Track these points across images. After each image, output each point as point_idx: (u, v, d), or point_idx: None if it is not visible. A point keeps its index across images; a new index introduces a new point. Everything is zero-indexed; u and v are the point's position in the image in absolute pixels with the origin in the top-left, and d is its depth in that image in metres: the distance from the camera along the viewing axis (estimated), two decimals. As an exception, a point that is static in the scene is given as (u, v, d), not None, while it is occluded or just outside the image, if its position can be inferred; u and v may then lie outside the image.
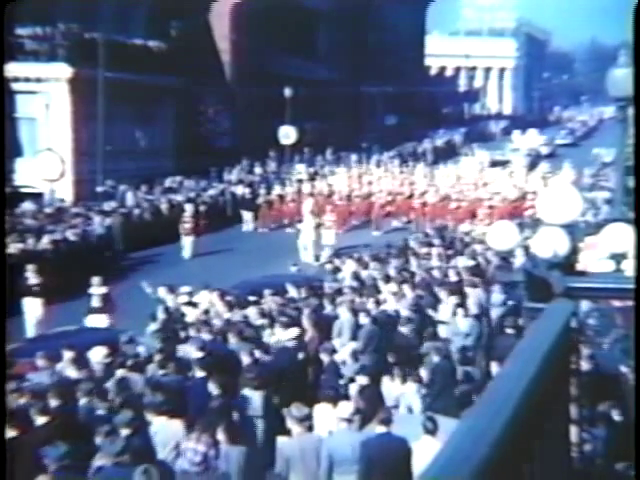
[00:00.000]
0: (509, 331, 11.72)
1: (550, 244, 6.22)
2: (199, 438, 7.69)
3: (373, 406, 9.59)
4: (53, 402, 9.03)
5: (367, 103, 57.96)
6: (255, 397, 9.85)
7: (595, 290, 4.62)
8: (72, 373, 10.63)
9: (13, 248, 19.81)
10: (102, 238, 24.47)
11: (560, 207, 6.95)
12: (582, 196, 8.48)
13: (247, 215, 31.23)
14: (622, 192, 12.23)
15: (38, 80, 31.00)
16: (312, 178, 35.78)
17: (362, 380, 10.41)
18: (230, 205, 32.18)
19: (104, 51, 30.93)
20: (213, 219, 29.14)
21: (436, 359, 11.15)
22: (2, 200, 19.55)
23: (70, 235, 22.94)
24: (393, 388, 10.68)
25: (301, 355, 11.69)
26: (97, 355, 11.07)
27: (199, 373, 10.31)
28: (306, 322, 12.88)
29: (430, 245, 22.06)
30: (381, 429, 8.13)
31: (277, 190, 32.90)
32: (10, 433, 8.07)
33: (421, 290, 15.46)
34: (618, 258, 7.48)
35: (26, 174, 29.33)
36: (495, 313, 14.54)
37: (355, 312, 13.54)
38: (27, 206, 25.97)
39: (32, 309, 17.08)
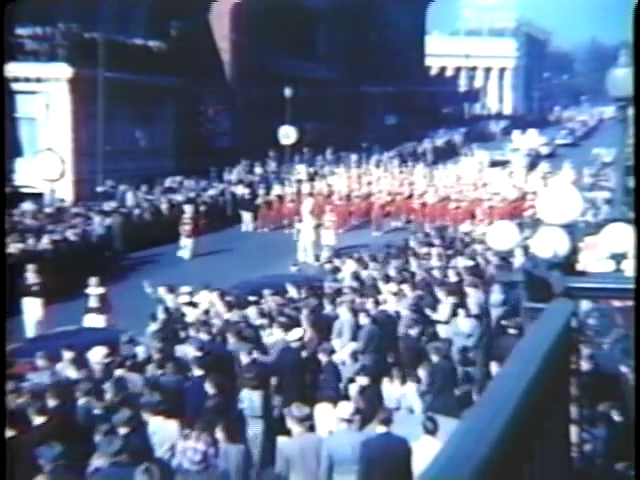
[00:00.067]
0: (511, 331, 11.71)
1: (550, 244, 6.22)
2: (199, 437, 7.71)
3: (373, 406, 9.60)
4: (51, 402, 9.03)
5: (367, 103, 57.96)
6: (254, 397, 9.85)
7: (595, 290, 4.62)
8: (71, 373, 10.64)
9: (13, 248, 19.81)
10: (102, 238, 24.46)
11: (560, 207, 6.94)
12: (582, 196, 8.47)
13: (246, 215, 31.23)
14: (622, 192, 12.23)
15: (38, 80, 30.99)
16: (312, 178, 35.77)
17: (362, 380, 10.41)
18: (230, 205, 32.18)
19: (104, 51, 30.93)
20: (213, 219, 29.14)
21: (436, 359, 11.15)
22: (2, 200, 19.56)
23: (70, 235, 22.94)
24: (394, 390, 10.68)
25: (300, 355, 11.69)
26: (97, 355, 11.08)
27: (197, 372, 10.33)
28: (305, 322, 12.89)
29: (430, 245, 22.06)
30: (381, 429, 8.13)
31: (277, 190, 32.89)
32: (9, 433, 8.08)
33: (421, 290, 15.47)
34: (618, 258, 7.48)
35: (26, 174, 29.32)
36: (495, 313, 14.55)
37: (355, 312, 13.55)
38: (27, 206, 25.97)
39: (32, 309, 17.08)
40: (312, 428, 8.78)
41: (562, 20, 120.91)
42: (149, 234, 26.31)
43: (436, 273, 17.87)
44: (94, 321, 16.02)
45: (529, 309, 4.68)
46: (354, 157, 41.22)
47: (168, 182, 32.67)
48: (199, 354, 10.90)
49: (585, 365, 6.19)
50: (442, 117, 71.27)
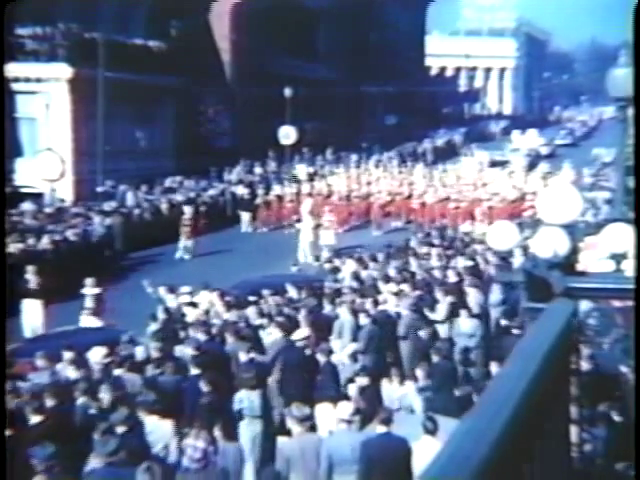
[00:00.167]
0: (515, 332, 11.71)
1: (550, 244, 6.21)
2: (198, 434, 7.71)
3: (373, 406, 9.60)
4: (49, 402, 9.04)
5: (367, 103, 57.95)
6: (253, 397, 9.86)
7: (595, 290, 4.62)
8: (71, 373, 10.64)
9: (13, 248, 19.81)
10: (102, 238, 24.46)
11: (560, 207, 6.95)
12: (582, 196, 8.47)
13: (245, 215, 31.22)
14: (622, 192, 12.22)
15: (38, 80, 30.99)
16: (311, 178, 35.75)
17: (362, 381, 10.41)
18: (230, 205, 32.18)
19: (104, 51, 30.92)
20: (213, 219, 29.13)
21: (436, 359, 11.16)
22: (2, 200, 19.56)
23: (70, 235, 22.94)
24: (394, 390, 10.67)
25: (298, 355, 11.69)
26: (96, 355, 11.08)
27: (194, 371, 10.35)
28: (303, 322, 12.90)
29: (430, 245, 22.07)
30: (381, 429, 8.13)
31: (276, 190, 32.89)
32: (8, 433, 8.08)
33: (420, 290, 15.47)
34: (618, 258, 7.48)
35: (26, 174, 29.32)
36: (494, 313, 14.57)
37: (355, 313, 13.55)
38: (27, 206, 25.96)
39: (31, 310, 17.06)
40: (312, 428, 8.78)
41: (562, 20, 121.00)
42: (149, 234, 26.31)
43: (436, 273, 17.88)
44: (90, 321, 16.02)
45: (529, 309, 4.68)
46: (354, 157, 41.21)
47: (168, 182, 32.66)
48: (195, 353, 10.94)
49: (585, 365, 6.18)
50: (442, 117, 71.25)
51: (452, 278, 16.69)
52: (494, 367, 10.34)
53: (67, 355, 11.10)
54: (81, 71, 31.21)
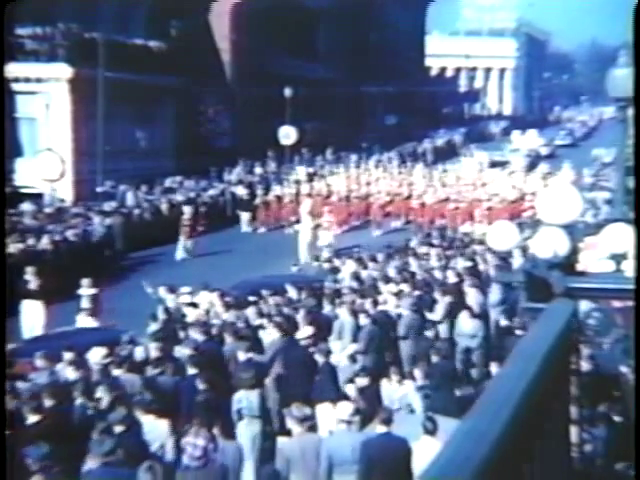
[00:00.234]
0: (518, 332, 11.71)
1: (550, 244, 6.21)
2: (198, 432, 7.71)
3: (373, 406, 9.60)
4: (47, 402, 9.05)
5: (367, 103, 57.94)
6: (252, 397, 9.86)
7: (595, 290, 4.62)
8: (70, 374, 10.63)
9: (13, 248, 19.80)
10: (102, 238, 24.46)
11: (560, 207, 6.94)
12: (582, 196, 8.47)
13: (245, 216, 31.22)
14: (622, 192, 12.22)
15: (38, 80, 30.98)
16: (310, 179, 35.73)
17: (362, 381, 10.41)
18: (230, 205, 32.18)
19: (104, 51, 30.92)
20: (213, 219, 29.12)
21: (435, 359, 11.16)
22: (2, 200, 19.56)
23: (70, 235, 22.93)
24: (394, 391, 10.67)
25: (295, 355, 11.70)
26: (96, 355, 11.08)
27: (191, 371, 10.36)
28: (302, 322, 12.91)
29: (430, 245, 22.07)
30: (382, 429, 8.13)
31: (276, 191, 32.88)
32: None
33: (420, 290, 15.48)
34: (618, 258, 7.47)
35: (26, 174, 29.31)
36: (494, 314, 14.58)
37: (355, 313, 13.55)
38: (27, 206, 25.96)
39: (30, 311, 17.05)
40: (312, 428, 8.78)
41: (562, 21, 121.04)
42: (149, 234, 26.31)
43: (437, 274, 17.88)
44: (86, 322, 16.01)
45: (529, 309, 4.68)
46: (354, 157, 41.20)
47: (168, 182, 32.65)
48: (192, 353, 10.95)
49: (585, 365, 6.18)
50: (442, 117, 71.23)
51: (452, 278, 16.69)
52: (495, 368, 10.34)
53: (67, 355, 11.10)
54: (81, 71, 31.20)
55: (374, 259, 19.87)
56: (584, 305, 6.26)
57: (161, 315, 14.06)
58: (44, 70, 30.98)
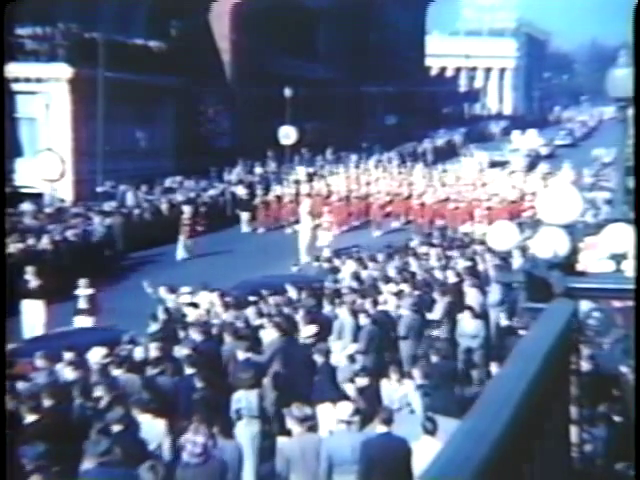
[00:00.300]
0: (521, 332, 11.70)
1: (550, 244, 6.21)
2: (197, 429, 7.71)
3: (373, 406, 9.60)
4: (46, 402, 9.05)
5: (367, 103, 57.94)
6: (251, 397, 9.86)
7: (595, 290, 4.63)
8: (68, 374, 10.64)
9: (13, 248, 19.80)
10: (102, 238, 24.46)
11: (560, 207, 6.94)
12: (582, 196, 8.47)
13: (244, 216, 31.21)
14: (622, 192, 12.21)
15: (38, 80, 30.98)
16: (310, 179, 35.72)
17: (362, 381, 10.41)
18: (230, 205, 32.18)
19: (104, 51, 30.93)
20: (213, 219, 29.12)
21: (435, 359, 11.16)
22: (2, 200, 19.54)
23: (70, 235, 22.94)
24: (394, 390, 10.67)
25: (294, 355, 11.70)
26: (96, 355, 11.08)
27: (188, 370, 10.37)
28: (301, 322, 12.91)
29: (431, 245, 22.07)
30: (382, 429, 8.13)
31: (276, 191, 32.86)
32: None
33: (420, 290, 15.48)
34: (618, 258, 7.47)
35: (26, 174, 29.31)
36: (493, 314, 14.59)
37: (355, 313, 13.55)
38: (27, 206, 25.96)
39: (31, 311, 17.06)
40: (312, 428, 8.78)
41: (562, 20, 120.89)
42: (149, 234, 26.31)
43: (437, 274, 17.88)
44: (83, 322, 16.01)
45: (529, 309, 4.68)
46: (354, 157, 41.19)
47: (168, 182, 32.66)
48: (190, 353, 10.96)
49: (585, 365, 6.18)
50: (442, 117, 71.21)
51: (452, 278, 16.70)
52: (495, 368, 10.34)
53: (67, 355, 11.10)
54: (81, 71, 31.20)
55: (374, 259, 19.87)
56: (584, 305, 6.26)
57: (161, 315, 14.07)
58: (44, 70, 30.98)
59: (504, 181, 35.01)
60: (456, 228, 28.70)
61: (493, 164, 42.16)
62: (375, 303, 14.42)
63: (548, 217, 7.00)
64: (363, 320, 13.25)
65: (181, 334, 12.89)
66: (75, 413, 9.18)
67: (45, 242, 21.56)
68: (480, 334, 13.32)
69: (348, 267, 19.00)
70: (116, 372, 10.59)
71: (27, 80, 30.60)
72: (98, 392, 9.46)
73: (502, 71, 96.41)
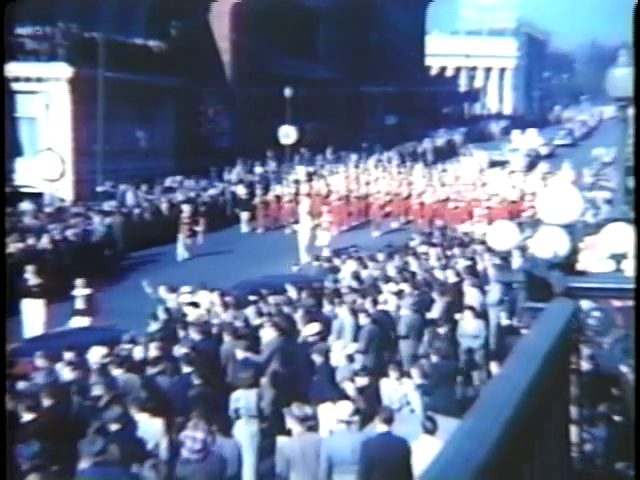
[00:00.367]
0: (524, 332, 11.69)
1: (550, 244, 6.21)
2: (196, 425, 7.72)
3: (373, 406, 9.59)
4: (45, 401, 9.05)
5: (367, 103, 57.94)
6: (250, 396, 9.86)
7: (595, 290, 4.63)
8: (67, 374, 10.63)
9: (13, 248, 19.80)
10: (102, 238, 24.46)
11: (560, 207, 6.94)
12: (582, 196, 8.47)
13: (244, 215, 31.21)
14: (622, 192, 12.21)
15: (38, 80, 30.99)
16: (310, 179, 35.72)
17: (362, 381, 10.40)
18: (230, 205, 32.19)
19: (104, 51, 30.93)
20: (213, 219, 29.12)
21: (435, 359, 11.16)
22: (2, 200, 19.52)
23: (70, 235, 22.94)
24: (394, 390, 10.66)
25: (293, 355, 11.69)
26: (96, 355, 11.08)
27: (185, 369, 10.37)
28: (300, 322, 12.90)
29: (431, 245, 22.06)
30: (382, 428, 8.12)
31: (276, 190, 32.86)
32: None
33: (421, 290, 15.49)
34: (618, 258, 7.47)
35: (26, 174, 29.32)
36: (493, 313, 14.58)
37: (355, 313, 13.55)
38: (27, 206, 25.96)
39: (31, 310, 17.06)
40: (313, 428, 8.78)
41: (562, 20, 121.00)
42: (149, 234, 26.31)
43: (437, 273, 17.88)
44: (80, 322, 16.00)
45: (529, 309, 4.68)
46: (354, 157, 41.18)
47: (168, 182, 32.66)
48: (188, 352, 10.97)
49: (585, 365, 6.18)
50: (442, 117, 71.21)
51: (452, 278, 16.70)
52: (496, 367, 10.33)
53: (67, 355, 11.10)
54: (81, 71, 31.21)
55: (374, 259, 19.87)
56: (584, 305, 6.26)
57: (161, 315, 14.06)
58: (44, 70, 30.98)
59: (504, 181, 34.98)
60: (456, 228, 28.69)
61: (493, 164, 42.15)
62: (375, 303, 14.42)
63: (548, 217, 7.00)
64: (363, 320, 13.25)
65: (181, 334, 12.89)
66: (73, 412, 9.18)
67: (45, 242, 21.57)
68: (481, 334, 13.32)
69: (348, 267, 18.99)
70: (116, 372, 10.59)
71: (27, 80, 30.60)
72: (97, 391, 9.46)
73: (502, 71, 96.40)
